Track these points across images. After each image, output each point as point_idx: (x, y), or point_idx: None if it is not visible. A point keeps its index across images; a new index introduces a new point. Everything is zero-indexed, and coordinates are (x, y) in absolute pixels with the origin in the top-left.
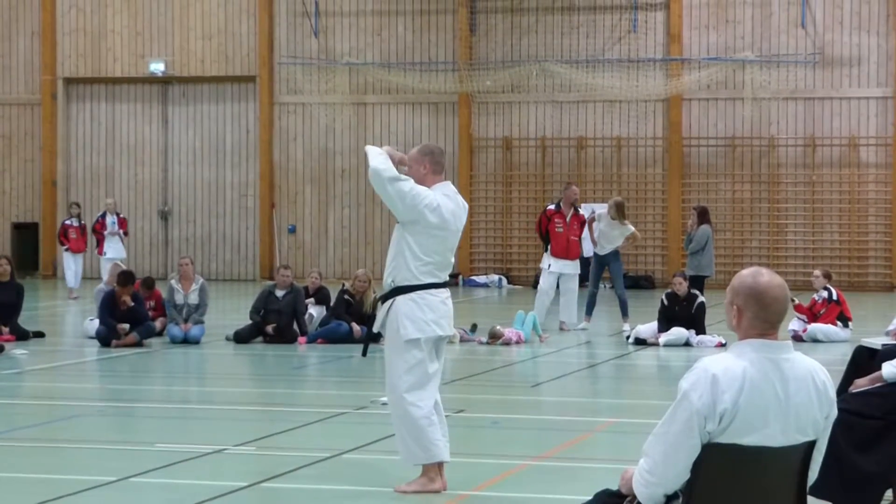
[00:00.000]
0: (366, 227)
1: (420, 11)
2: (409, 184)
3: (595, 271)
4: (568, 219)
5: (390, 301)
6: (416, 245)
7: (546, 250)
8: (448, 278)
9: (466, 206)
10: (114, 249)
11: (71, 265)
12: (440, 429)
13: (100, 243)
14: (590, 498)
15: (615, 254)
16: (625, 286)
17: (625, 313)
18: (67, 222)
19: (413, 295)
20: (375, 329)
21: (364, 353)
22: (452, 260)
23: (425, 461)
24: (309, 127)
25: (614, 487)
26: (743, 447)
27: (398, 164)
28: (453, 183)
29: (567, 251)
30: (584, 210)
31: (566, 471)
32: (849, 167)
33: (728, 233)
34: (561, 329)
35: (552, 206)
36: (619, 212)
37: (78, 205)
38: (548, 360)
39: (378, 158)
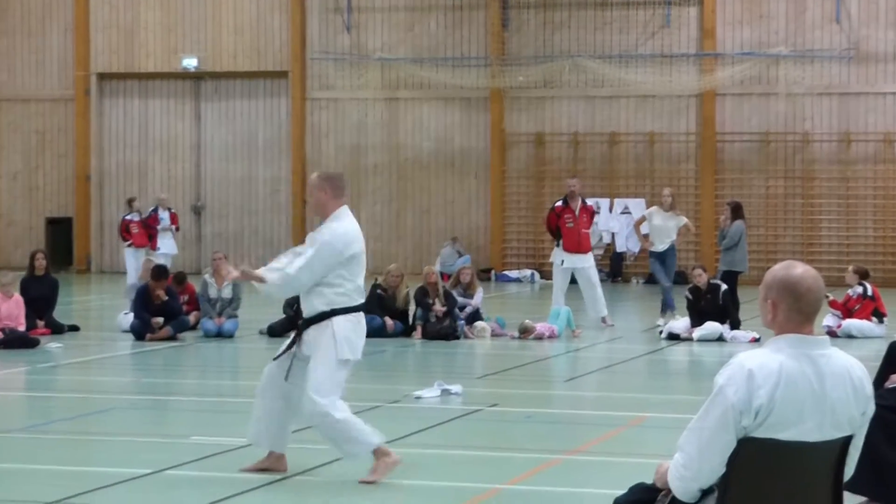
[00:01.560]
0: (397, 223)
1: (452, 7)
2: (315, 253)
3: (658, 270)
4: (577, 212)
5: (328, 321)
6: (346, 270)
7: (557, 245)
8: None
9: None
10: (167, 245)
11: (132, 261)
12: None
13: (153, 238)
14: (624, 492)
15: (672, 249)
16: (658, 282)
17: (664, 309)
18: (128, 217)
19: (350, 316)
20: (304, 352)
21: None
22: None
23: (369, 449)
24: (341, 122)
25: (649, 481)
26: (779, 442)
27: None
28: (485, 179)
29: (579, 245)
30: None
31: (600, 465)
32: (883, 163)
33: (761, 229)
34: (603, 323)
35: (560, 203)
36: (673, 202)
37: (135, 199)
38: (581, 356)
39: (271, 277)
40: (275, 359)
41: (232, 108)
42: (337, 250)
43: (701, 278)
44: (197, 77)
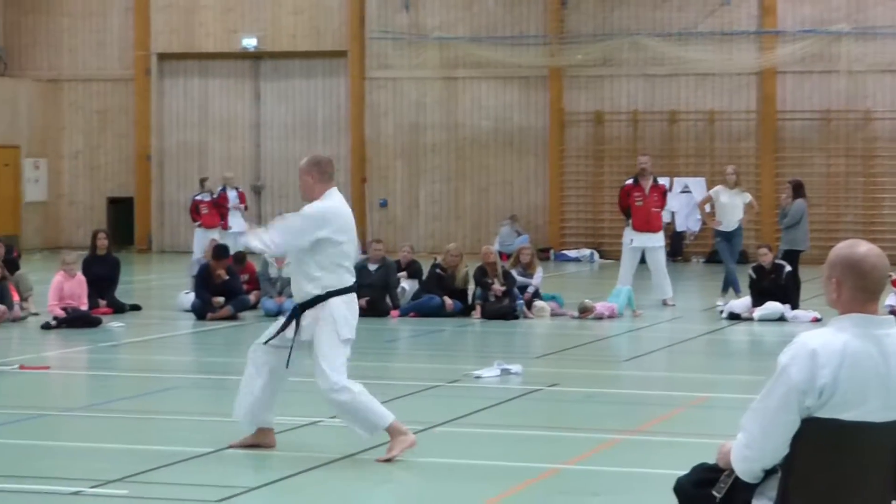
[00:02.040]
0: (456, 202)
1: None
2: (296, 220)
3: (724, 249)
4: (647, 191)
5: (324, 303)
6: (336, 251)
7: (628, 225)
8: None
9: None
10: (237, 224)
11: (201, 241)
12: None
13: (224, 218)
14: (686, 472)
15: (739, 228)
16: (718, 261)
17: (725, 288)
18: (198, 197)
19: (344, 297)
20: (309, 337)
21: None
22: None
23: (385, 425)
24: (399, 102)
25: (711, 461)
26: (842, 422)
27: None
28: (544, 158)
29: (648, 223)
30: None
31: (661, 445)
32: None
33: (822, 207)
34: (664, 305)
35: (630, 181)
36: (738, 179)
37: (207, 179)
38: (641, 335)
39: (261, 237)
40: (265, 342)
41: (291, 87)
42: (314, 221)
43: (766, 257)
44: (256, 57)
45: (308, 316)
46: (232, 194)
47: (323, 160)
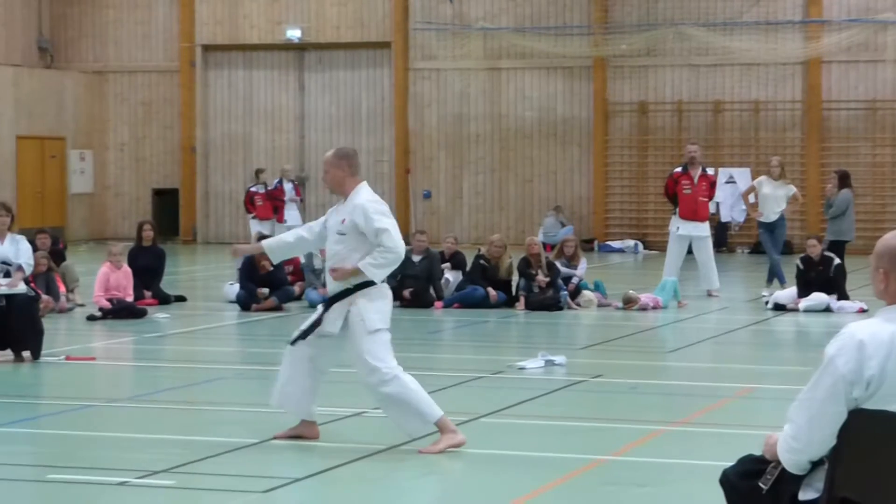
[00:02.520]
0: (499, 193)
1: None
2: (389, 221)
3: (767, 240)
4: (696, 179)
5: (351, 296)
6: (366, 246)
7: (674, 213)
8: None
9: None
10: (292, 217)
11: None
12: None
13: (279, 210)
14: (732, 463)
15: (782, 219)
16: (763, 252)
17: (770, 279)
18: (253, 189)
19: (371, 289)
20: (333, 329)
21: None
22: None
23: (435, 418)
24: (443, 93)
25: (757, 453)
26: (890, 414)
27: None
28: (588, 148)
29: (695, 213)
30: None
31: (707, 436)
32: None
33: (868, 197)
34: (710, 296)
35: (679, 169)
36: (783, 171)
37: (263, 170)
38: (685, 326)
39: (369, 266)
40: (296, 341)
41: (335, 78)
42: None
43: (815, 249)
44: (300, 48)
45: (335, 309)
46: (288, 187)
47: (352, 153)
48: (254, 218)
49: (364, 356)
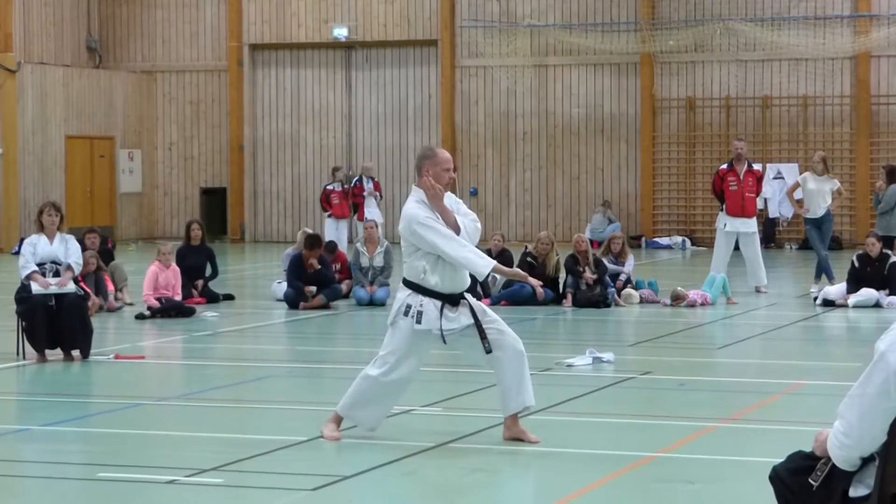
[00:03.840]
0: (547, 190)
1: None
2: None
3: (814, 236)
4: (742, 176)
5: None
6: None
7: (721, 210)
8: None
9: None
10: (372, 213)
11: (332, 231)
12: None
13: (359, 208)
14: (782, 460)
15: (828, 214)
16: (811, 248)
17: (818, 275)
18: (329, 187)
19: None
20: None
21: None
22: None
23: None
24: (490, 90)
25: (808, 450)
26: None
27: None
28: (635, 145)
29: (743, 209)
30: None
31: (757, 433)
32: None
33: None
34: (757, 292)
35: (724, 166)
36: (826, 166)
37: (339, 168)
38: (734, 322)
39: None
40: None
41: (382, 76)
42: None
43: (874, 247)
44: (348, 46)
45: (464, 304)
46: (367, 184)
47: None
48: (329, 216)
49: (500, 325)
